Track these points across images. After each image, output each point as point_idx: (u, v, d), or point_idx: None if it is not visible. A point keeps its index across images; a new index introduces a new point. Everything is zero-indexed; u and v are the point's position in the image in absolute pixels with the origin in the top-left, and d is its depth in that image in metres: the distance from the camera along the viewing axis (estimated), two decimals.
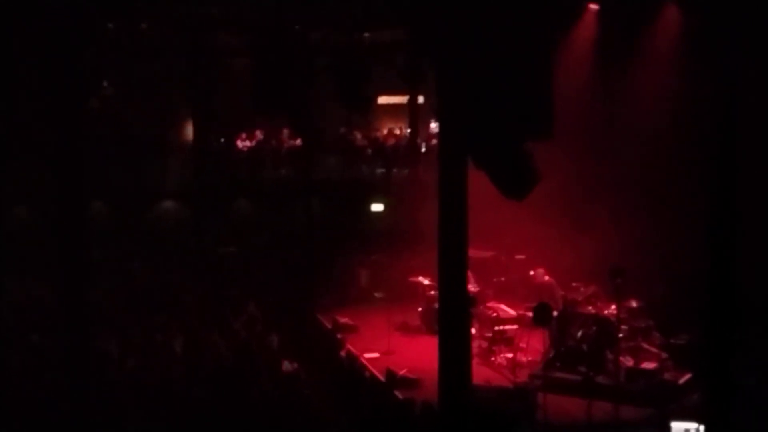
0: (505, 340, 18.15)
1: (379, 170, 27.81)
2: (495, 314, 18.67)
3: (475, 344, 16.80)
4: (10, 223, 24.87)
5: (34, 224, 24.13)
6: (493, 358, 17.86)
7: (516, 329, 18.12)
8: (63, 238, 15.68)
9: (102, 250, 22.03)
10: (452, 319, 13.56)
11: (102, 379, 15.73)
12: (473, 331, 17.00)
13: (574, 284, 18.43)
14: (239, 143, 27.85)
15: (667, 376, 15.97)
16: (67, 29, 15.59)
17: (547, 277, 18.84)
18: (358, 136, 27.95)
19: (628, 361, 16.22)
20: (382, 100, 27.54)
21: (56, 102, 15.82)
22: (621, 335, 16.21)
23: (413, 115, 26.23)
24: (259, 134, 27.82)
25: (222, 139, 27.99)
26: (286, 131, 27.40)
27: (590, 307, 17.29)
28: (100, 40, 24.01)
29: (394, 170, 27.48)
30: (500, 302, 19.41)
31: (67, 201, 15.69)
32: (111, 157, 25.17)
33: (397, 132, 28.16)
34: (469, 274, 15.30)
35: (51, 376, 15.76)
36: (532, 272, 19.34)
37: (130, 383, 15.76)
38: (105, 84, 27.22)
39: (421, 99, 25.89)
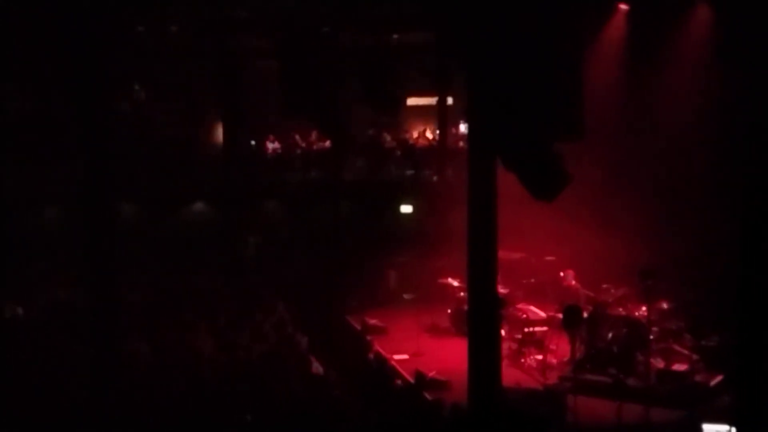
0: (535, 342, 18.07)
1: (408, 172, 27.79)
2: (525, 316, 18.63)
3: (504, 346, 16.73)
4: (42, 224, 25.22)
5: (65, 225, 24.31)
6: (522, 360, 17.81)
7: (546, 331, 18.06)
8: (94, 239, 15.79)
9: (132, 252, 22.13)
10: (482, 320, 13.54)
11: (131, 379, 15.81)
12: (503, 332, 16.94)
13: (604, 286, 18.33)
14: (268, 145, 27.95)
15: (698, 378, 15.88)
16: (97, 33, 15.71)
17: (573, 282, 18.72)
18: (387, 137, 27.97)
19: (659, 363, 16.16)
20: (411, 101, 27.50)
21: (87, 105, 15.93)
22: (651, 337, 16.18)
23: (442, 116, 26.19)
24: (288, 136, 27.90)
25: (252, 142, 28.10)
26: (315, 133, 27.45)
27: (621, 309, 17.21)
28: (130, 43, 24.19)
29: (424, 172, 27.47)
30: (530, 304, 19.37)
31: (97, 202, 15.81)
32: (141, 159, 25.31)
33: (428, 134, 28.15)
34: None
35: (80, 376, 15.85)
36: (561, 273, 19.27)
37: (159, 383, 15.82)
38: (135, 87, 27.39)
39: (450, 100, 25.87)
